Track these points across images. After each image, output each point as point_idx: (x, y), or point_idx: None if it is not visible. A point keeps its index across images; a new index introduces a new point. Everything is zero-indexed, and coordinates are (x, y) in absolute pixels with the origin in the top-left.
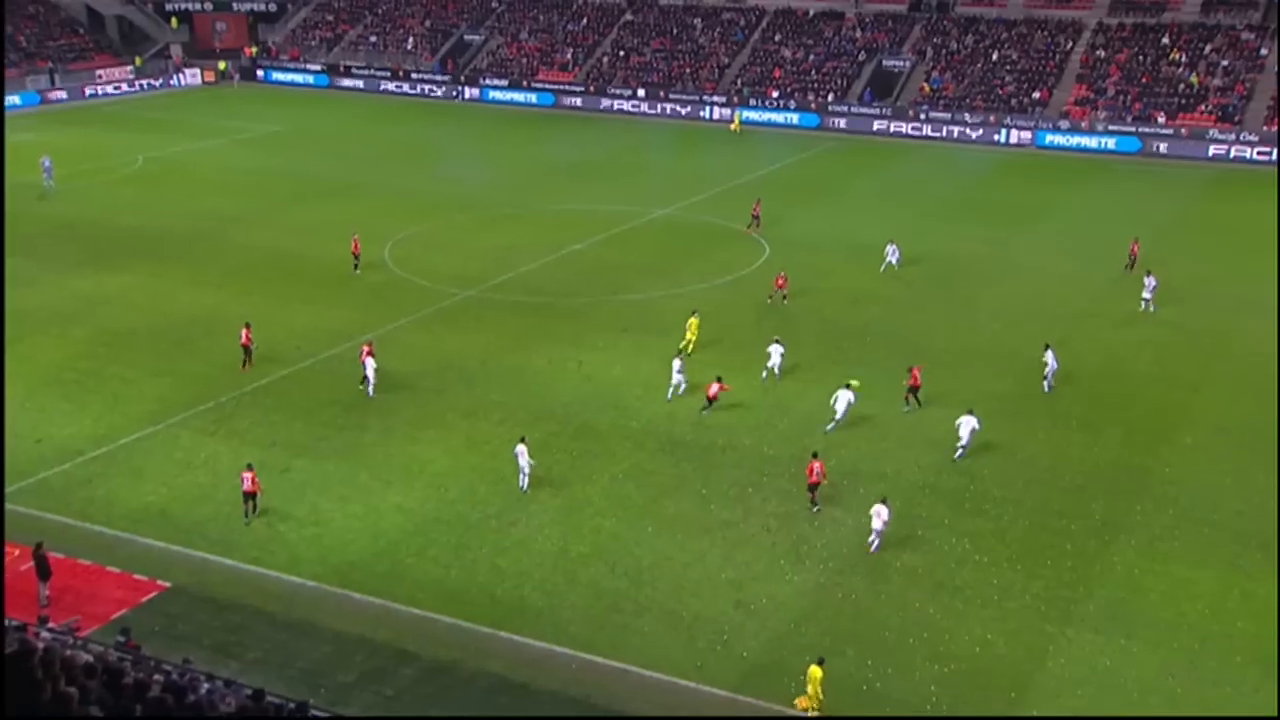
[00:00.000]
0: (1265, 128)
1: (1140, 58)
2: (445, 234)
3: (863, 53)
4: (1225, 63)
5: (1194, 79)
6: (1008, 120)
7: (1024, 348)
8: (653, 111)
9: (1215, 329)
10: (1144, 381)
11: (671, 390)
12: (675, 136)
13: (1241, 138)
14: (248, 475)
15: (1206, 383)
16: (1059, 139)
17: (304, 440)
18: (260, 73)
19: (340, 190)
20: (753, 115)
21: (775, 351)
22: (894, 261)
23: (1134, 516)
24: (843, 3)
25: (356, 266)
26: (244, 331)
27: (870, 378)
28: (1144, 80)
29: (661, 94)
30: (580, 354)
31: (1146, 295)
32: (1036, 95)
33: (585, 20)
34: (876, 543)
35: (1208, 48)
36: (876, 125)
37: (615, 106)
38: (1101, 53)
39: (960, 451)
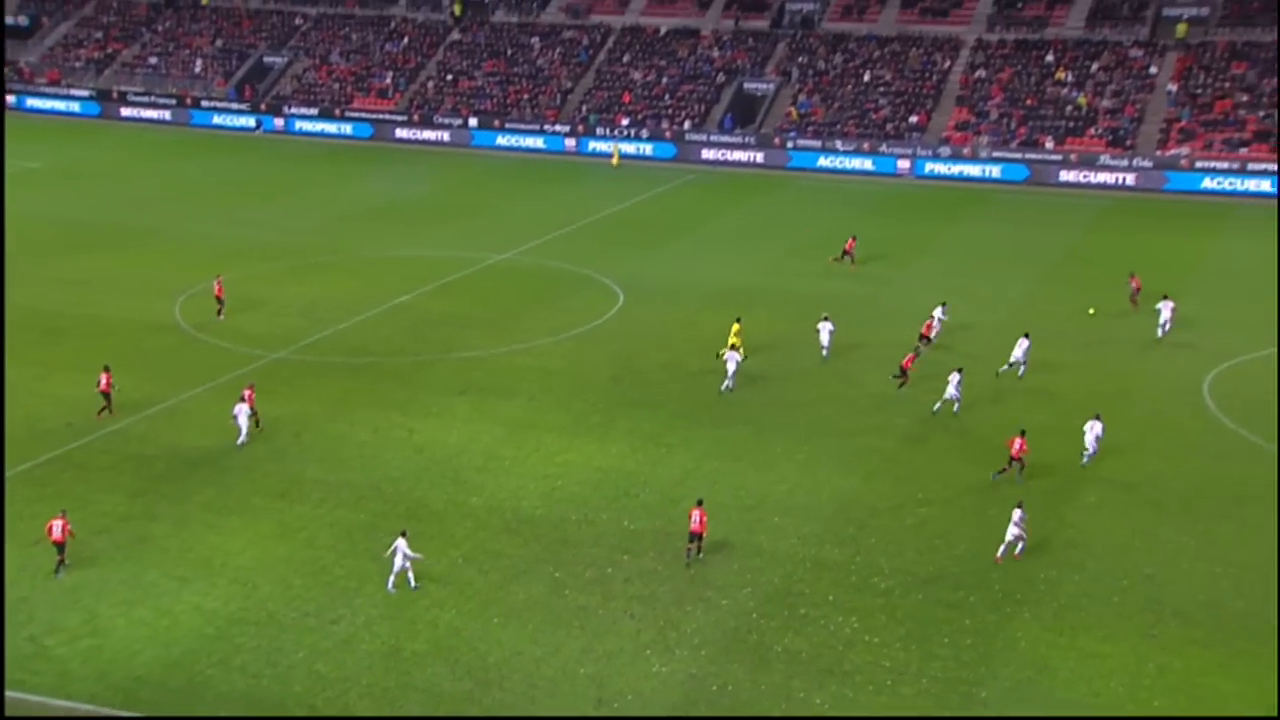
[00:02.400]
0: (1158, 152)
1: (1024, 77)
2: (248, 287)
3: (722, 75)
4: (1113, 83)
5: (1082, 100)
6: (883, 147)
7: (909, 399)
8: (487, 142)
9: (1116, 373)
10: (1041, 434)
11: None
12: (515, 170)
13: (1134, 164)
14: (58, 523)
15: (1108, 435)
16: (940, 167)
17: (79, 534)
18: (10, 99)
19: (117, 238)
20: (601, 146)
21: (825, 329)
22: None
23: (1037, 585)
24: (697, 19)
25: (220, 312)
26: (103, 377)
27: (738, 441)
28: (1029, 102)
29: (497, 122)
30: (410, 421)
31: (1165, 320)
32: (914, 119)
33: (406, 40)
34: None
35: (1095, 66)
36: (739, 155)
37: (444, 137)
38: (982, 72)
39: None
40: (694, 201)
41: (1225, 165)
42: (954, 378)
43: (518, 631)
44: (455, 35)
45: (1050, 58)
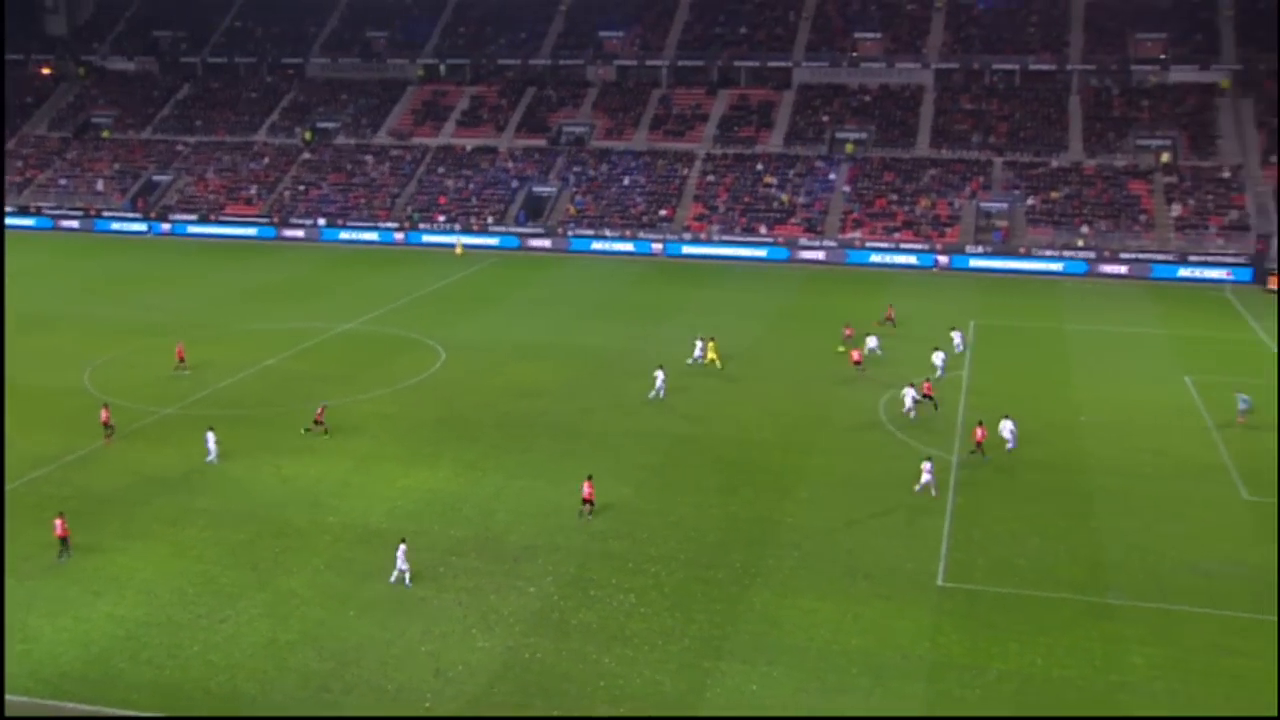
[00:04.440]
0: (840, 235)
1: (742, 180)
2: (143, 357)
3: (515, 181)
4: (805, 185)
5: (784, 198)
6: (640, 234)
7: (669, 428)
8: (333, 238)
9: (819, 400)
10: (767, 449)
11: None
12: (356, 259)
13: (823, 244)
14: (58, 522)
15: (815, 447)
16: (688, 249)
17: (8, 562)
18: None
19: (35, 322)
20: (430, 239)
21: (659, 376)
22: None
23: (767, 562)
24: (495, 139)
25: (180, 369)
26: (103, 411)
27: (539, 463)
28: (746, 199)
29: (340, 221)
30: (278, 459)
31: (958, 344)
32: (663, 212)
33: (266, 159)
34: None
35: (791, 172)
36: (532, 242)
37: (299, 234)
38: (711, 177)
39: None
40: (500, 278)
41: (885, 245)
42: (658, 373)
43: (370, 621)
44: (306, 155)
45: (760, 166)
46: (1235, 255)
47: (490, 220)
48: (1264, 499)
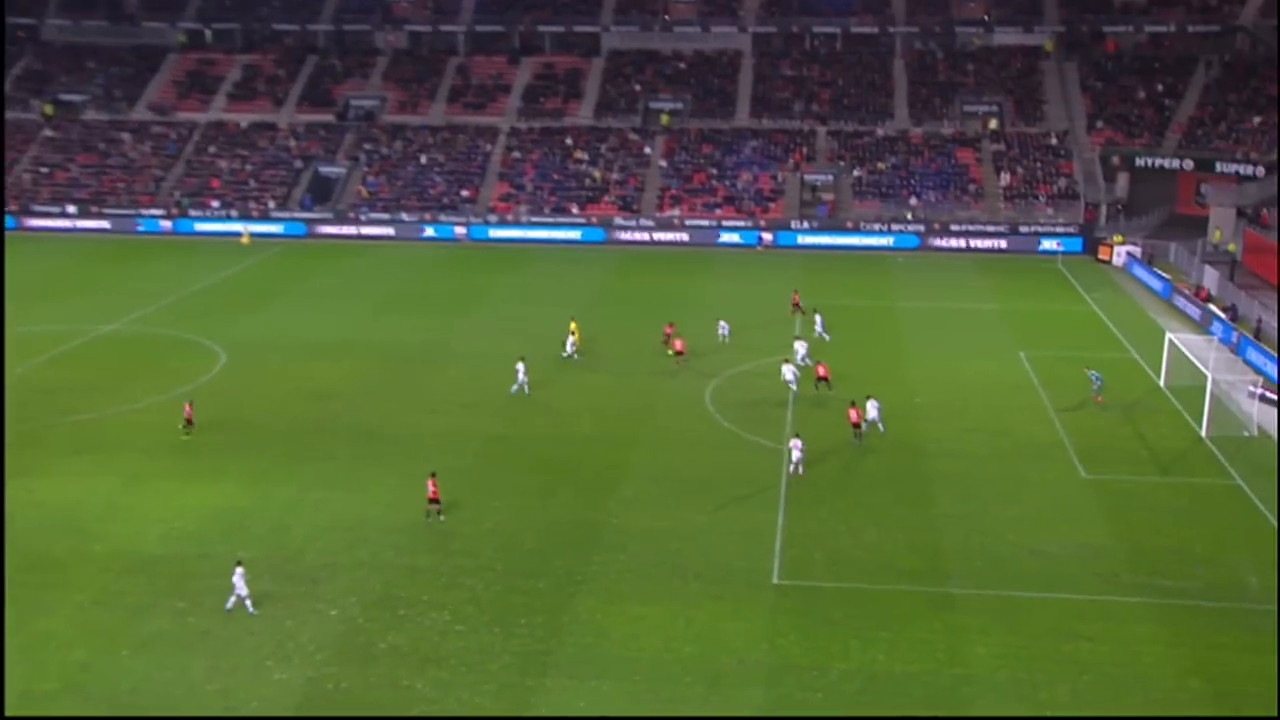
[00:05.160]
0: (657, 213)
1: (550, 157)
2: None
3: (299, 161)
4: (619, 160)
5: (596, 174)
6: (442, 217)
7: (479, 427)
8: (87, 226)
9: (642, 391)
10: (588, 444)
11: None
12: (116, 251)
13: (640, 223)
14: None
15: (638, 441)
16: (493, 231)
17: None
18: None
19: None
20: (204, 227)
21: (520, 368)
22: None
23: (592, 567)
24: (274, 114)
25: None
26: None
27: (337, 471)
28: (556, 177)
29: (94, 209)
30: (30, 481)
31: (818, 330)
32: (465, 193)
33: None
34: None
35: (604, 147)
36: (321, 229)
37: (46, 225)
38: (517, 153)
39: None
40: (285, 270)
41: (706, 223)
42: (520, 365)
43: (147, 660)
44: (48, 132)
45: (569, 141)
46: (1065, 225)
47: (272, 205)
48: (1102, 476)
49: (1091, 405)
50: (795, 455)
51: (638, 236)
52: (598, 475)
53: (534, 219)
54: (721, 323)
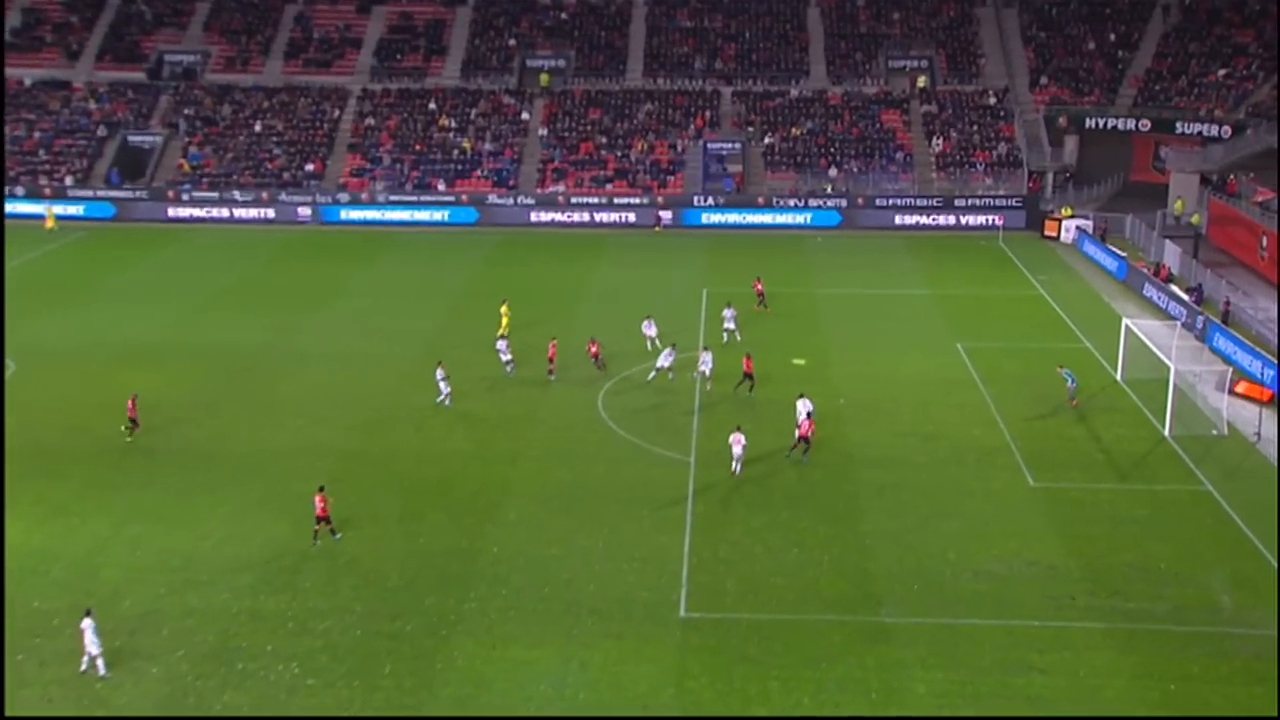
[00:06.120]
0: (538, 190)
1: (410, 124)
2: None
3: (102, 128)
4: (492, 128)
5: (466, 144)
6: (283, 196)
7: (335, 441)
8: None
9: (524, 398)
10: (462, 460)
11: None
12: None
13: (518, 201)
14: None
15: (520, 455)
16: (346, 213)
17: None
18: None
19: None
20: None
21: (439, 374)
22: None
23: (468, 604)
24: (67, 70)
25: None
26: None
27: (159, 502)
28: (417, 148)
29: None
30: None
31: (728, 324)
32: (310, 167)
33: None
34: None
35: (474, 112)
36: (134, 210)
37: None
38: (371, 120)
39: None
40: (89, 260)
41: (595, 200)
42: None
43: None
44: None
45: (433, 105)
46: (1007, 197)
47: (69, 181)
48: (1053, 484)
49: (1042, 404)
50: (737, 451)
51: (515, 217)
52: (474, 496)
53: (393, 198)
54: (647, 322)
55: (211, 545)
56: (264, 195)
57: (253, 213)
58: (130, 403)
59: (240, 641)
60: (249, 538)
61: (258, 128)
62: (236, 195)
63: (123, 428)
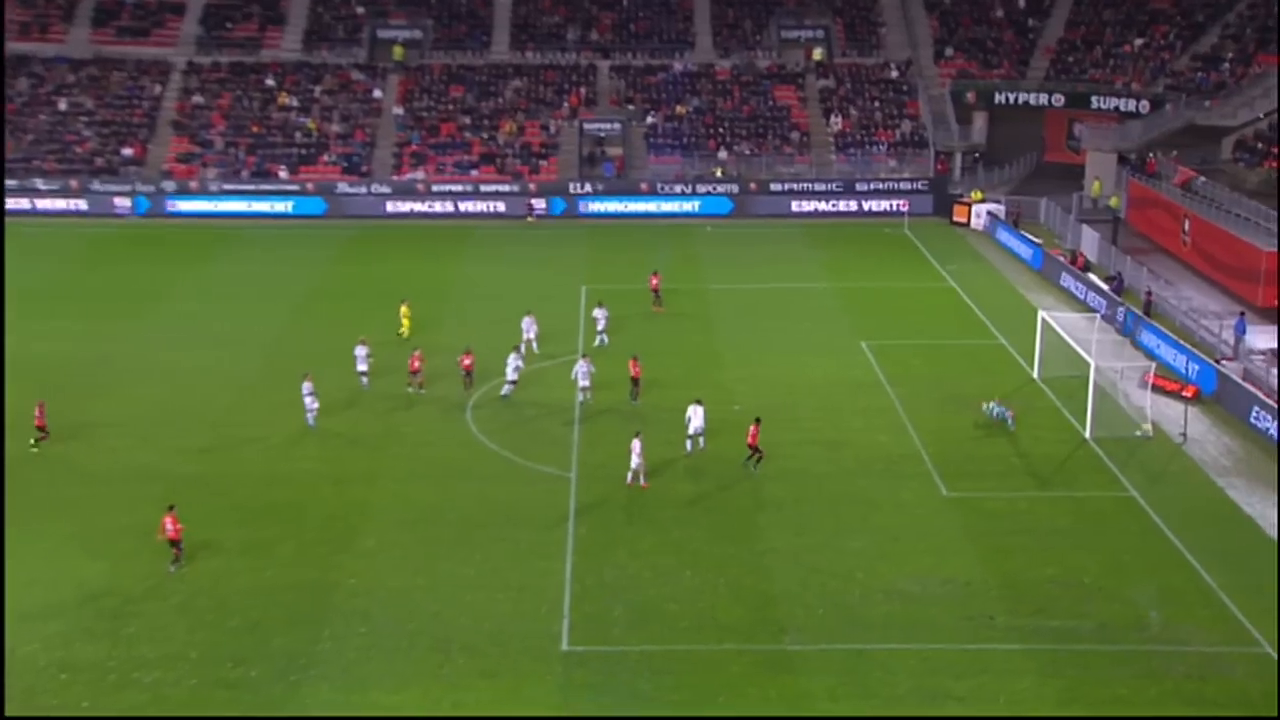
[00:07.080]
0: (394, 177)
1: (245, 102)
2: None
3: None
4: (340, 107)
5: (310, 125)
6: (95, 185)
7: (163, 464)
8: None
9: (382, 411)
10: (312, 483)
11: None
12: None
13: (371, 190)
14: None
15: (380, 475)
16: (172, 204)
17: None
18: None
19: None
20: None
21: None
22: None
23: (323, 644)
24: None
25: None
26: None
27: None
28: (255, 130)
29: None
30: None
31: (600, 327)
32: (128, 152)
33: None
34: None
35: (318, 89)
36: None
37: None
38: (199, 97)
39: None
40: None
41: (458, 188)
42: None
43: None
44: None
45: (271, 81)
46: (912, 180)
47: None
48: (968, 494)
49: (954, 407)
50: (634, 462)
51: (369, 208)
52: (327, 522)
53: (227, 186)
54: (528, 320)
55: (16, 590)
56: (73, 184)
57: (60, 204)
58: (38, 409)
59: (50, 698)
60: (61, 579)
61: (63, 106)
62: (39, 184)
63: (31, 441)
